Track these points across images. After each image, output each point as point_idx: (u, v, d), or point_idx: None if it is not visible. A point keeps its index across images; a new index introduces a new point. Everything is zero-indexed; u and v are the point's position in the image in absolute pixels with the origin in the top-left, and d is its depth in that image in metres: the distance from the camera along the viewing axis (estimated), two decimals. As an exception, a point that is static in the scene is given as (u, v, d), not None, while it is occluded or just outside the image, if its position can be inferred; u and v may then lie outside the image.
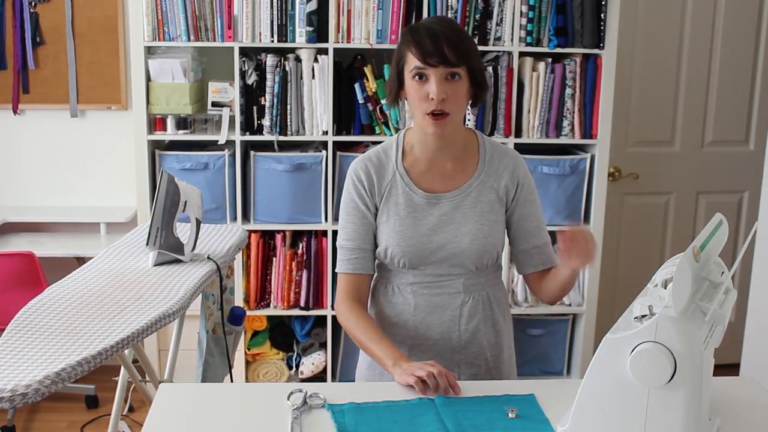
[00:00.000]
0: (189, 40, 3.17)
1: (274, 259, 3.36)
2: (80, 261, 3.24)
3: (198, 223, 2.30)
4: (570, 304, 3.46)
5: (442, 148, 1.82)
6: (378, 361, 1.72)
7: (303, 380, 3.44)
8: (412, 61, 1.72)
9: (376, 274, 1.92)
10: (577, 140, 3.32)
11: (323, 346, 3.47)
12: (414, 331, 1.84)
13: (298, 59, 3.20)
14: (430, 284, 1.83)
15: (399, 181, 1.83)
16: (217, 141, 3.25)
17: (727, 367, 2.36)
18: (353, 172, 1.85)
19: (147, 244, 2.18)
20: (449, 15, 3.15)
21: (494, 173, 1.85)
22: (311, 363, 3.45)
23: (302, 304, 3.39)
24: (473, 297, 1.85)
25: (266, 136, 3.25)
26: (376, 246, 1.86)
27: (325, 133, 3.24)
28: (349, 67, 3.27)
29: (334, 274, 3.32)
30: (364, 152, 1.92)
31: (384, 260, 1.85)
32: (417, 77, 1.71)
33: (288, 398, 1.54)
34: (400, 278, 1.85)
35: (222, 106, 3.24)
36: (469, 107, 1.99)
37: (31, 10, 3.54)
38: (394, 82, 1.79)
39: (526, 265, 1.90)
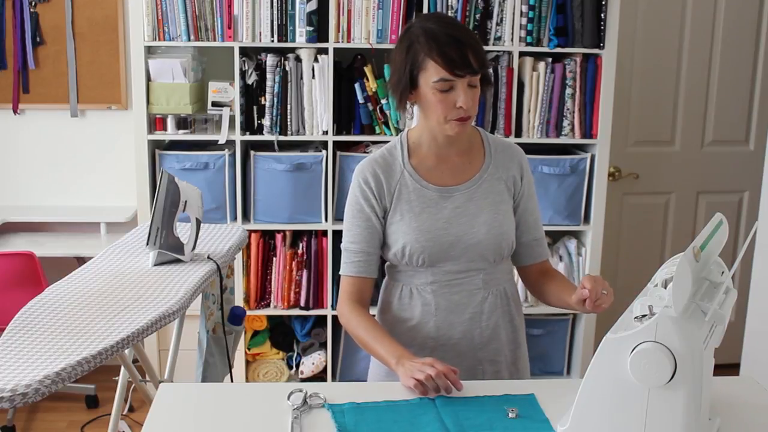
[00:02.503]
0: (189, 40, 3.17)
1: (274, 258, 3.36)
2: (80, 261, 3.24)
3: (198, 223, 2.30)
4: (570, 304, 3.46)
5: (451, 143, 1.83)
6: (381, 360, 1.71)
7: (303, 380, 3.44)
8: (437, 72, 1.69)
9: (386, 280, 1.91)
10: (577, 140, 3.32)
11: (323, 345, 3.48)
12: (435, 332, 1.84)
13: (298, 59, 3.20)
14: (450, 282, 1.83)
15: (408, 179, 1.82)
16: (217, 141, 3.25)
17: (727, 367, 2.36)
18: (360, 175, 1.84)
19: (147, 244, 2.18)
20: (449, 14, 3.15)
21: (502, 165, 1.86)
22: (311, 363, 3.45)
23: (302, 303, 3.39)
24: (492, 293, 1.85)
25: (266, 136, 3.25)
26: (380, 250, 1.85)
27: (325, 132, 3.24)
28: (349, 67, 3.27)
29: (335, 274, 3.35)
30: (365, 152, 1.91)
31: (401, 261, 1.83)
32: (442, 87, 1.70)
33: (288, 398, 1.54)
34: (418, 279, 1.84)
35: (222, 105, 3.24)
36: None
37: (31, 10, 3.55)
38: (405, 87, 1.75)
39: (525, 257, 1.91)
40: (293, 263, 3.35)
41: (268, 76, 3.18)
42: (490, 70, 3.09)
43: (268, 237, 3.38)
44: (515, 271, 1.98)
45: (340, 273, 1.87)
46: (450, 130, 1.75)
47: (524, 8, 3.18)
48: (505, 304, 1.88)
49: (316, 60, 3.19)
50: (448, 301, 1.83)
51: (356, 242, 1.83)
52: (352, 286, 1.84)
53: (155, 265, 2.20)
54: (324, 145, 3.29)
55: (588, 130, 3.32)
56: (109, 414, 2.39)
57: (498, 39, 3.22)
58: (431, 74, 1.70)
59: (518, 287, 2.01)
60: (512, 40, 3.22)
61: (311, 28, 3.15)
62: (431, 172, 1.84)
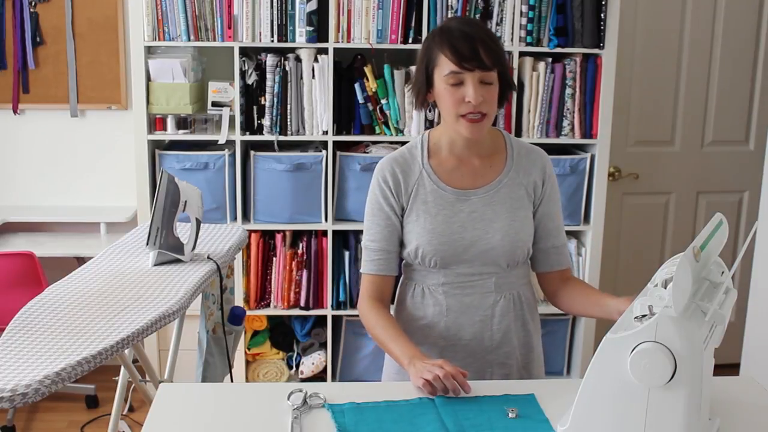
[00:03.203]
0: (189, 40, 3.17)
1: (274, 259, 3.36)
2: (80, 261, 3.24)
3: (198, 223, 2.30)
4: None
5: (471, 146, 1.82)
6: (395, 358, 1.72)
7: (303, 380, 3.44)
8: (447, 65, 1.70)
9: (402, 278, 1.91)
10: (577, 140, 3.32)
11: (323, 346, 3.48)
12: (446, 333, 1.83)
13: (298, 59, 3.20)
14: (462, 284, 1.82)
15: (426, 180, 1.82)
16: (217, 141, 3.25)
17: (727, 367, 2.36)
18: (379, 173, 1.84)
19: (147, 244, 2.18)
20: (449, 15, 3.15)
21: (523, 170, 1.85)
22: (311, 363, 3.45)
23: (302, 304, 3.39)
24: (504, 296, 1.84)
25: (266, 136, 3.25)
26: (400, 248, 1.85)
27: (325, 132, 3.24)
28: (349, 67, 3.27)
29: (334, 274, 3.36)
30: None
31: (414, 261, 1.83)
32: (452, 81, 1.71)
33: (288, 398, 1.54)
34: (430, 279, 1.84)
35: (222, 105, 3.24)
36: None
37: (31, 10, 3.55)
38: (422, 85, 1.77)
39: (542, 263, 1.90)
40: (293, 263, 3.35)
41: (268, 76, 3.18)
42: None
43: (268, 237, 3.37)
44: (534, 276, 1.96)
45: (360, 271, 1.88)
46: (463, 129, 1.74)
47: (524, 8, 3.18)
48: (518, 308, 1.86)
49: (316, 60, 3.19)
50: (459, 303, 1.83)
51: (376, 240, 1.83)
52: (372, 284, 1.84)
53: (155, 265, 2.20)
54: (324, 145, 3.29)
55: (588, 130, 3.32)
56: (109, 414, 2.39)
57: (498, 39, 3.21)
58: (443, 68, 1.72)
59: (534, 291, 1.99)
60: (512, 40, 3.21)
61: (311, 28, 3.15)
62: (450, 174, 1.83)
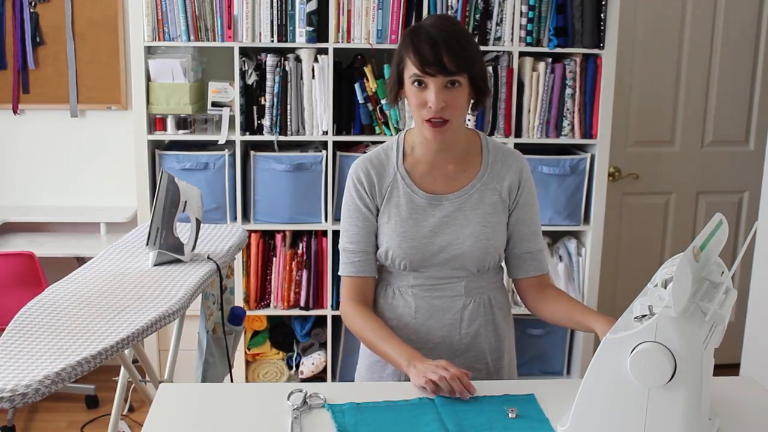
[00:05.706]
0: (189, 40, 3.17)
1: (274, 259, 3.36)
2: (80, 261, 3.24)
3: (198, 223, 2.30)
4: (570, 304, 3.46)
5: (443, 150, 1.81)
6: (391, 361, 1.71)
7: (303, 380, 3.44)
8: (411, 68, 1.69)
9: (378, 277, 1.90)
10: (577, 140, 3.32)
11: (323, 346, 3.48)
12: (414, 334, 1.83)
13: (298, 59, 3.20)
14: (431, 287, 1.82)
15: (400, 183, 1.81)
16: (217, 141, 3.25)
17: (727, 367, 2.36)
18: (354, 174, 1.83)
19: (147, 244, 2.18)
20: (449, 15, 3.14)
21: (497, 175, 1.83)
22: (311, 363, 3.45)
23: (302, 304, 3.39)
24: (474, 300, 1.83)
25: (266, 136, 3.25)
26: (378, 248, 1.85)
27: (325, 133, 3.24)
28: (349, 67, 3.27)
29: (335, 274, 3.35)
30: (365, 152, 1.91)
31: (385, 262, 1.83)
32: (416, 84, 1.69)
33: (288, 398, 1.54)
34: (400, 280, 1.84)
35: (222, 106, 3.24)
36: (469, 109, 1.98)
37: (31, 10, 3.55)
38: (394, 83, 1.77)
39: (517, 269, 1.87)
40: (293, 263, 3.35)
41: (268, 76, 3.18)
42: (489, 71, 3.15)
43: (268, 237, 3.38)
44: (504, 277, 1.94)
45: (339, 274, 1.87)
46: (426, 133, 1.73)
47: (524, 8, 3.18)
48: (488, 312, 1.85)
49: (316, 60, 3.19)
50: (428, 305, 1.82)
51: (354, 242, 1.83)
52: (355, 286, 1.83)
53: (155, 265, 2.20)
54: (324, 145, 3.29)
55: (588, 130, 3.32)
56: (109, 414, 2.39)
57: (498, 39, 3.22)
58: (409, 70, 1.71)
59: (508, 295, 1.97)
60: (512, 40, 3.21)
61: (311, 28, 3.15)
62: (423, 177, 1.82)
